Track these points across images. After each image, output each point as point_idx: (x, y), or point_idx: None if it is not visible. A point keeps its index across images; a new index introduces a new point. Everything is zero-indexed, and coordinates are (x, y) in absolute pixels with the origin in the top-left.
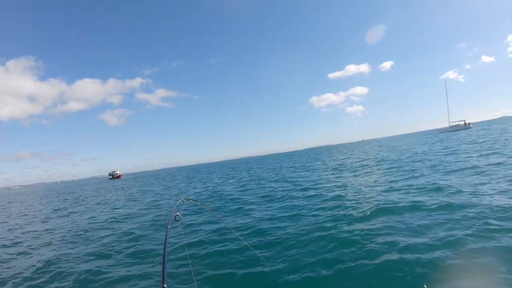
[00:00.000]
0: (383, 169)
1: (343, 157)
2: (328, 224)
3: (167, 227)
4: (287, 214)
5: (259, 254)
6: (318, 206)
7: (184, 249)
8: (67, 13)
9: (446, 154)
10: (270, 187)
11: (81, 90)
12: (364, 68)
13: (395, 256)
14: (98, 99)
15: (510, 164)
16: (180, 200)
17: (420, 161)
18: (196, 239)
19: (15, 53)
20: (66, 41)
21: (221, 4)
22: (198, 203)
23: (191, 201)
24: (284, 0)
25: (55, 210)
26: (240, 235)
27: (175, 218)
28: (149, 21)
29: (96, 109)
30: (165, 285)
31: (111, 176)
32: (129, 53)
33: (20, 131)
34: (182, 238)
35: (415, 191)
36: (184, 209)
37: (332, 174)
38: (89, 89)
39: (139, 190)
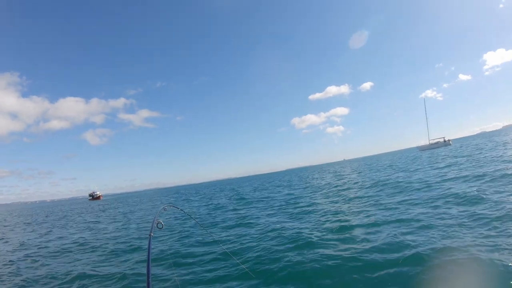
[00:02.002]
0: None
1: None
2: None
3: (150, 235)
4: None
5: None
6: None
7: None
8: (54, 29)
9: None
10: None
11: (64, 109)
12: (344, 89)
13: None
14: (80, 118)
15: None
16: (162, 208)
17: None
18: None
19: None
20: (51, 58)
21: (203, 27)
22: (178, 209)
23: (171, 206)
24: (264, 26)
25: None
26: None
27: (157, 226)
28: (134, 42)
29: (78, 128)
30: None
31: (91, 197)
32: (113, 72)
33: None
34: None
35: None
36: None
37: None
38: (72, 107)
39: (119, 212)
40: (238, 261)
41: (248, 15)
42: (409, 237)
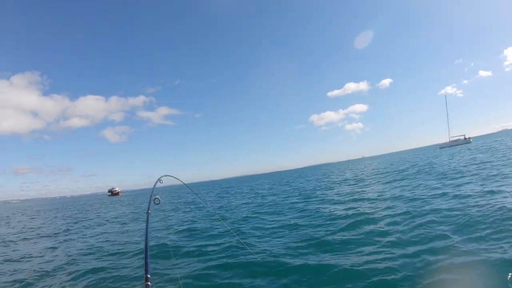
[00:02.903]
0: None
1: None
2: None
3: (147, 212)
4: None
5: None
6: None
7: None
8: (74, 29)
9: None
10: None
11: (84, 107)
12: (363, 85)
13: None
14: (100, 116)
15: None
16: (158, 179)
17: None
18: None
19: (22, 68)
20: (71, 57)
21: (219, 25)
22: (174, 177)
23: (169, 177)
24: (282, 23)
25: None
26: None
27: (154, 202)
28: (154, 40)
29: (97, 126)
30: (148, 275)
31: (110, 193)
32: (132, 70)
33: (21, 145)
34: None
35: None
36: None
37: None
38: (92, 106)
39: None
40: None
41: (257, 15)
42: None
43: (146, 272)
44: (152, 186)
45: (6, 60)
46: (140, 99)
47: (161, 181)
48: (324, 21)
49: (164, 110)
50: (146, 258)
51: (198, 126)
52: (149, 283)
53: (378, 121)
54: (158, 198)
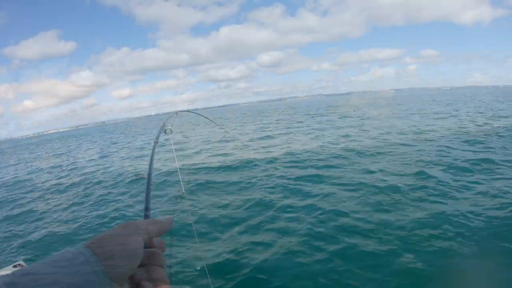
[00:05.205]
0: None
1: None
2: None
3: (154, 141)
4: None
5: None
6: None
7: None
8: None
9: None
10: None
11: None
12: None
13: None
14: None
15: None
16: (174, 112)
17: None
18: None
19: None
20: None
21: None
22: (196, 113)
23: (187, 112)
24: None
25: None
26: None
27: (165, 132)
28: None
29: None
30: (148, 213)
31: None
32: None
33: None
34: None
35: None
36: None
37: None
38: None
39: None
40: None
41: None
42: None
43: (146, 209)
44: None
45: None
46: None
47: (177, 114)
48: None
49: None
50: (147, 193)
51: None
52: (147, 212)
53: None
54: (169, 128)
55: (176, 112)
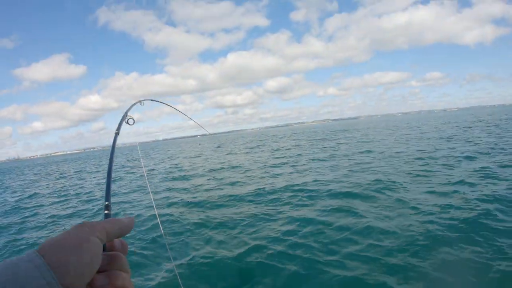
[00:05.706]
0: None
1: None
2: None
3: (115, 133)
4: None
5: None
6: None
7: None
8: None
9: None
10: None
11: None
12: None
13: None
14: None
15: None
16: (137, 101)
17: None
18: None
19: None
20: None
21: None
22: (160, 102)
23: (149, 101)
24: None
25: None
26: None
27: (127, 122)
28: None
29: None
30: (107, 203)
31: None
32: None
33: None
34: None
35: None
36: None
37: None
38: None
39: None
40: None
41: None
42: None
43: (107, 199)
44: None
45: None
46: None
47: (142, 104)
48: None
49: None
50: (108, 184)
51: None
52: (107, 211)
53: None
54: (132, 118)
55: (140, 101)
